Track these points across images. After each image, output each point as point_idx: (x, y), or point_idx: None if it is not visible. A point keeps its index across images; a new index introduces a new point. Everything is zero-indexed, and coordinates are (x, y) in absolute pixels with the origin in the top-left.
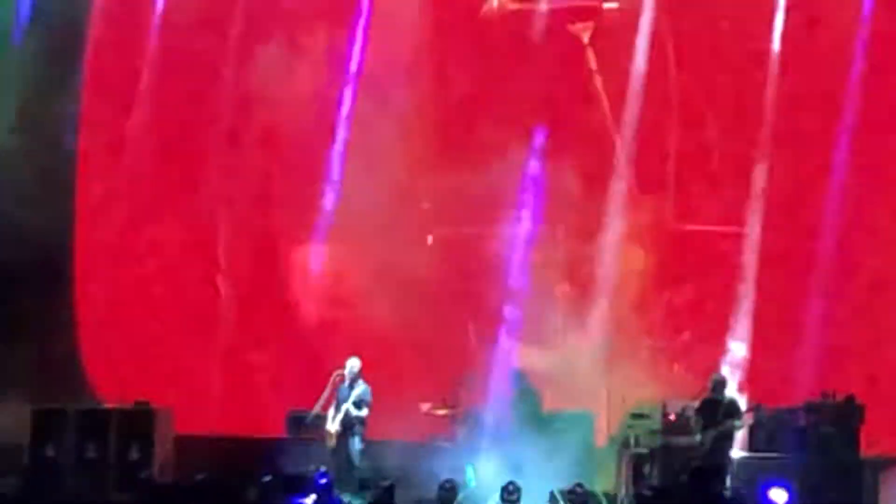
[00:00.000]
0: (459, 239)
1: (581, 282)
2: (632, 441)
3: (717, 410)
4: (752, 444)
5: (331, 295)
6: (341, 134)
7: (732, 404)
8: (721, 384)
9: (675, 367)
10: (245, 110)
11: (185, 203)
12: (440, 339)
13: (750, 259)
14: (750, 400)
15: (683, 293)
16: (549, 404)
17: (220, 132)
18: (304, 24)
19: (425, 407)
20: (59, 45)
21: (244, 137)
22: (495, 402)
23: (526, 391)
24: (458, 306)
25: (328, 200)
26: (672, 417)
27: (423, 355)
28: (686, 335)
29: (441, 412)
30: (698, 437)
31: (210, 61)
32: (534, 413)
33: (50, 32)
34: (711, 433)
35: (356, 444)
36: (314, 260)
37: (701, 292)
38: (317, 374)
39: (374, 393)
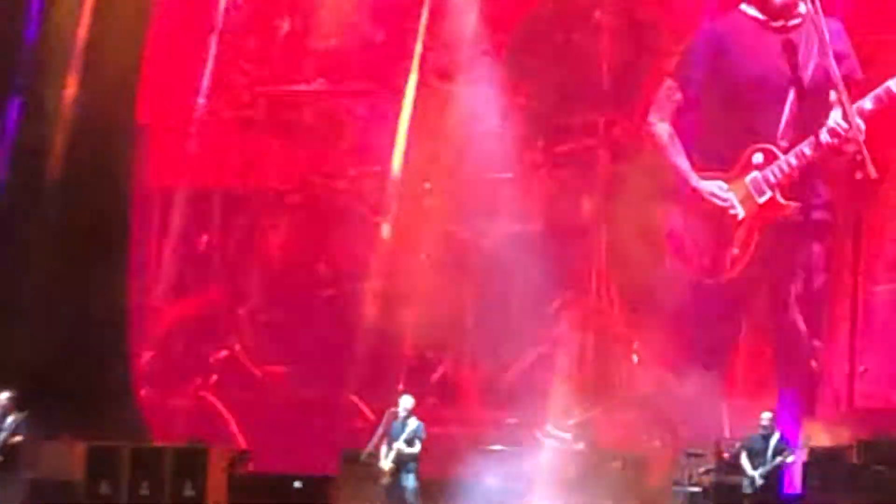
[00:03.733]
0: None
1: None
2: (685, 479)
3: (767, 448)
4: (805, 483)
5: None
6: None
7: (781, 440)
8: (771, 421)
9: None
10: None
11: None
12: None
13: None
14: (802, 436)
15: None
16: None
17: None
18: None
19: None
20: None
21: None
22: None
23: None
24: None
25: None
26: (726, 455)
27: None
28: None
29: (496, 449)
30: (749, 475)
31: None
32: (588, 453)
33: None
34: (762, 470)
35: (411, 481)
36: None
37: None
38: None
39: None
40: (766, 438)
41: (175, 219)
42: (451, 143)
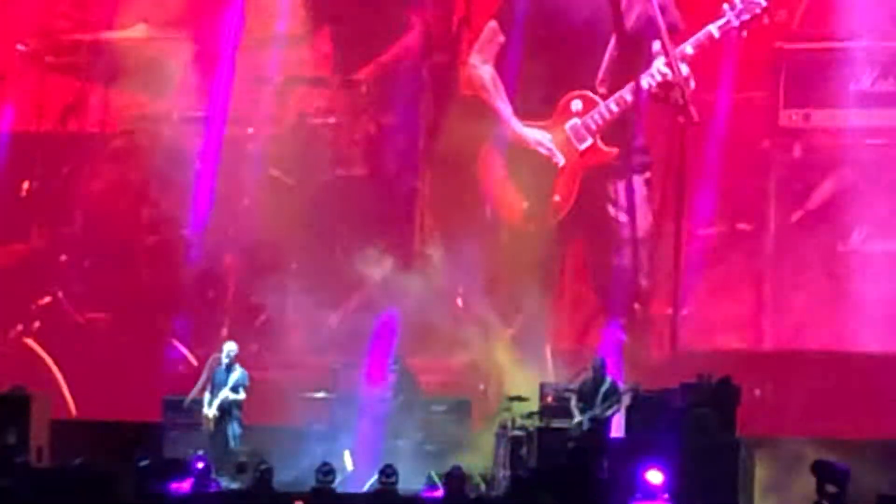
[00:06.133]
0: None
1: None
2: (509, 424)
3: (596, 392)
4: (629, 426)
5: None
6: None
7: (612, 386)
8: (601, 366)
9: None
10: None
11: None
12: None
13: None
14: (627, 381)
15: None
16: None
17: None
18: None
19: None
20: None
21: None
22: (373, 387)
23: (404, 376)
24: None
25: None
26: (550, 399)
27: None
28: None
29: (319, 395)
30: (577, 419)
31: None
32: (411, 398)
33: None
34: (590, 414)
35: (234, 428)
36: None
37: None
38: None
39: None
40: (596, 382)
41: None
42: (273, 88)
